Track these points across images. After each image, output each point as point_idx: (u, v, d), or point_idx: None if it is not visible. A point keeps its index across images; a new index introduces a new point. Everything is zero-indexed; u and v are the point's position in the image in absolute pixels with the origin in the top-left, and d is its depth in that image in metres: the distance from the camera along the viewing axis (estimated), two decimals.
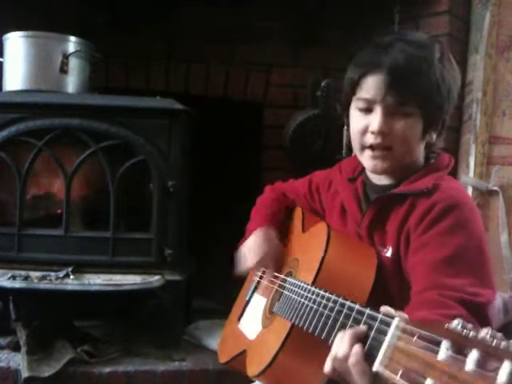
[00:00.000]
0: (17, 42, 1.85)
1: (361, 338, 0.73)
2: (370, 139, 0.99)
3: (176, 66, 2.29)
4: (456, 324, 0.59)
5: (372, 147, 0.99)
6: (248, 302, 1.25)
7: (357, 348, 0.72)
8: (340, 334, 0.77)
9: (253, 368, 0.98)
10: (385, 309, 0.73)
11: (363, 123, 1.00)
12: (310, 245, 1.10)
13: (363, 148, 1.01)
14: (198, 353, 1.78)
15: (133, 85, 2.27)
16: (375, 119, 0.97)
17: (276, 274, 1.16)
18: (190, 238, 2.00)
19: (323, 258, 0.97)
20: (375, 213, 1.03)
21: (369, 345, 0.72)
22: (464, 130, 2.03)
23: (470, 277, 0.87)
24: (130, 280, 1.72)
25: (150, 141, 1.78)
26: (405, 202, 0.99)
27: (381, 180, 1.07)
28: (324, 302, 0.86)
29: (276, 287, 1.12)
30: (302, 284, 0.96)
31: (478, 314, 0.84)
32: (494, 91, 1.93)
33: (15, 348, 1.67)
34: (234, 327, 1.25)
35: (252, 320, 1.17)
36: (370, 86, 0.97)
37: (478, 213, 0.98)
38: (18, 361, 1.60)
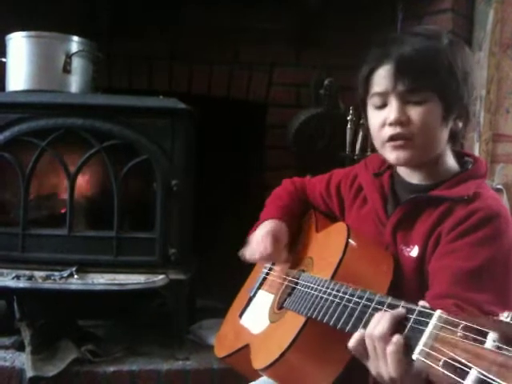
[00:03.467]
0: (20, 42, 1.85)
1: (399, 321, 0.73)
2: (388, 131, 0.97)
3: (179, 65, 2.29)
4: (505, 316, 0.59)
5: (392, 138, 0.98)
6: (252, 297, 1.24)
7: (397, 337, 0.71)
8: (378, 314, 0.76)
9: (260, 361, 0.98)
10: (422, 302, 0.73)
11: (381, 118, 0.99)
12: (328, 244, 1.09)
13: (384, 142, 1.00)
14: (201, 352, 1.78)
15: (136, 85, 2.27)
16: (391, 110, 0.96)
17: (287, 271, 1.15)
18: (194, 237, 2.00)
19: (342, 256, 0.96)
20: (405, 212, 1.01)
21: (406, 334, 0.71)
22: (467, 128, 2.02)
23: (491, 293, 0.87)
24: (133, 279, 1.73)
25: (153, 140, 1.78)
26: (440, 204, 0.97)
27: (412, 178, 1.05)
28: (348, 296, 0.86)
29: (286, 283, 1.12)
30: (320, 280, 0.96)
31: None
32: (497, 89, 1.93)
33: (20, 348, 1.68)
34: (235, 323, 1.24)
35: (257, 315, 1.16)
36: (381, 78, 0.97)
37: (511, 224, 0.96)
38: (23, 360, 1.61)
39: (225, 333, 1.29)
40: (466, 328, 0.62)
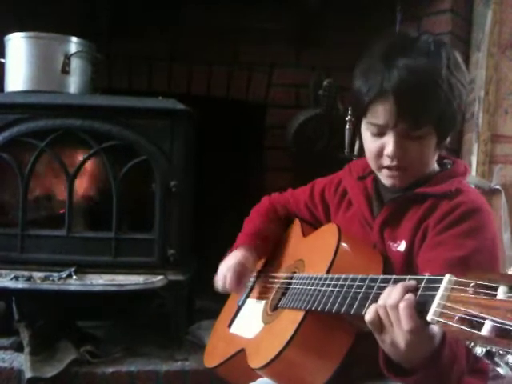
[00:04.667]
0: (19, 42, 1.85)
1: (411, 291, 0.75)
2: (385, 161, 0.99)
3: (178, 66, 2.30)
4: None
5: (388, 168, 1.00)
6: (240, 307, 1.25)
7: (409, 295, 0.74)
8: (389, 288, 0.78)
9: (258, 360, 0.98)
10: (427, 273, 0.76)
11: (377, 146, 0.99)
12: (318, 244, 1.11)
13: (379, 168, 1.02)
14: (200, 353, 1.75)
15: (135, 85, 2.27)
16: (389, 143, 0.97)
17: (277, 275, 1.17)
18: (193, 238, 2.00)
19: (336, 252, 0.98)
20: (392, 210, 1.04)
21: (418, 299, 0.73)
22: (466, 129, 2.03)
23: None
24: (132, 280, 1.73)
25: (152, 141, 1.78)
26: (425, 201, 1.00)
27: None
28: (348, 282, 0.88)
29: (278, 286, 1.13)
30: (315, 276, 0.97)
31: None
32: (496, 89, 1.93)
33: (18, 348, 1.67)
34: (224, 333, 1.24)
35: (248, 321, 1.17)
36: (380, 112, 0.96)
37: (493, 218, 1.00)
38: (21, 361, 1.60)
39: (214, 344, 1.29)
40: (476, 286, 0.64)
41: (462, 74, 0.99)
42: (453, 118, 0.98)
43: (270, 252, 1.29)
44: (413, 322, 0.72)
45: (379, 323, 0.78)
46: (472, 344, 0.61)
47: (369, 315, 0.78)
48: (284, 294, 1.07)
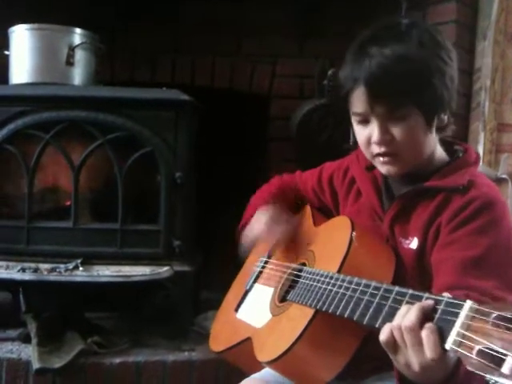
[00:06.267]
0: (23, 34, 1.85)
1: (428, 313, 0.73)
2: (375, 149, 0.98)
3: (182, 57, 2.29)
4: None
5: (379, 155, 0.99)
6: (248, 291, 1.24)
7: (429, 324, 0.71)
8: (405, 307, 0.76)
9: (266, 354, 0.97)
10: (446, 294, 0.73)
11: (365, 135, 0.99)
12: (330, 237, 1.09)
13: (372, 157, 1.01)
14: (206, 343, 1.74)
15: (139, 77, 2.26)
16: (374, 130, 0.97)
17: (286, 264, 1.15)
18: (199, 229, 2.00)
19: (348, 250, 0.97)
20: (402, 205, 1.02)
21: (436, 324, 0.71)
22: (472, 118, 2.01)
23: (497, 279, 0.87)
24: (138, 271, 1.73)
25: (156, 132, 1.78)
26: (436, 196, 0.97)
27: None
28: (362, 288, 0.86)
29: (286, 276, 1.12)
30: (326, 273, 0.96)
31: None
32: (502, 78, 1.91)
33: (26, 340, 1.68)
34: (231, 317, 1.23)
35: (256, 309, 1.16)
36: (357, 100, 0.97)
37: (508, 210, 0.97)
38: (29, 352, 1.61)
39: (220, 326, 1.29)
40: (497, 317, 0.62)
41: (441, 50, 0.97)
42: (436, 94, 0.95)
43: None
44: (437, 350, 0.70)
45: (394, 344, 0.76)
46: (491, 379, 0.59)
47: (383, 335, 0.76)
48: (292, 286, 1.06)
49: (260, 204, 1.24)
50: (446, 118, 1.00)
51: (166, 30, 2.26)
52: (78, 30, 1.88)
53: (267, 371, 1.07)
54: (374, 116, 0.96)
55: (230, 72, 2.31)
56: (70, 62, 1.85)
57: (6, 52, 1.90)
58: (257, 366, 1.08)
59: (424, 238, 0.97)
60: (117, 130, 1.77)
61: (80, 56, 1.88)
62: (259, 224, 1.18)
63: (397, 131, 0.95)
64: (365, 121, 0.98)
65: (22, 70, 1.86)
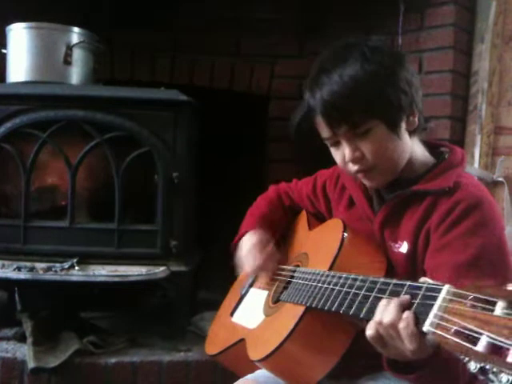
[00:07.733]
0: (20, 33, 1.84)
1: (406, 306, 0.75)
2: (352, 167, 1.00)
3: (181, 57, 2.28)
4: None
5: (358, 172, 1.00)
6: (243, 296, 1.25)
7: (407, 313, 0.74)
8: (383, 302, 0.78)
9: (257, 352, 0.98)
10: (424, 279, 0.76)
11: (339, 156, 1.01)
12: (323, 239, 1.11)
13: (353, 174, 1.03)
14: (203, 343, 1.76)
15: (137, 76, 2.26)
16: (345, 150, 0.98)
17: (280, 267, 1.17)
18: (197, 230, 2.00)
19: (339, 248, 0.98)
20: (390, 210, 1.02)
21: (415, 310, 0.73)
22: (469, 121, 2.02)
23: (492, 279, 0.87)
24: (135, 271, 1.73)
25: (154, 132, 1.78)
26: (424, 199, 0.98)
27: None
28: (350, 282, 0.88)
29: (281, 278, 1.13)
30: (317, 272, 0.97)
31: None
32: (499, 81, 1.92)
33: (21, 339, 1.68)
34: (226, 321, 1.25)
35: (250, 311, 1.18)
36: (320, 127, 1.00)
37: (497, 208, 0.97)
38: (24, 352, 1.61)
39: (216, 331, 1.30)
40: (474, 299, 0.63)
41: (388, 57, 0.98)
42: (392, 102, 0.95)
43: (276, 238, 1.27)
44: (415, 339, 0.72)
45: (381, 339, 0.78)
46: (467, 359, 0.60)
47: (369, 332, 0.79)
48: (286, 288, 1.07)
49: (251, 224, 1.27)
50: (415, 119, 1.01)
51: (166, 30, 2.25)
52: (75, 29, 1.87)
53: (260, 372, 1.08)
54: (340, 137, 0.98)
55: (229, 72, 2.31)
56: (67, 61, 1.84)
57: (4, 50, 1.89)
58: (250, 369, 1.09)
59: (414, 243, 0.98)
60: (115, 130, 1.77)
61: (78, 55, 1.87)
62: (244, 250, 1.22)
63: (365, 147, 0.97)
64: (336, 143, 1.00)
65: (19, 68, 1.85)
